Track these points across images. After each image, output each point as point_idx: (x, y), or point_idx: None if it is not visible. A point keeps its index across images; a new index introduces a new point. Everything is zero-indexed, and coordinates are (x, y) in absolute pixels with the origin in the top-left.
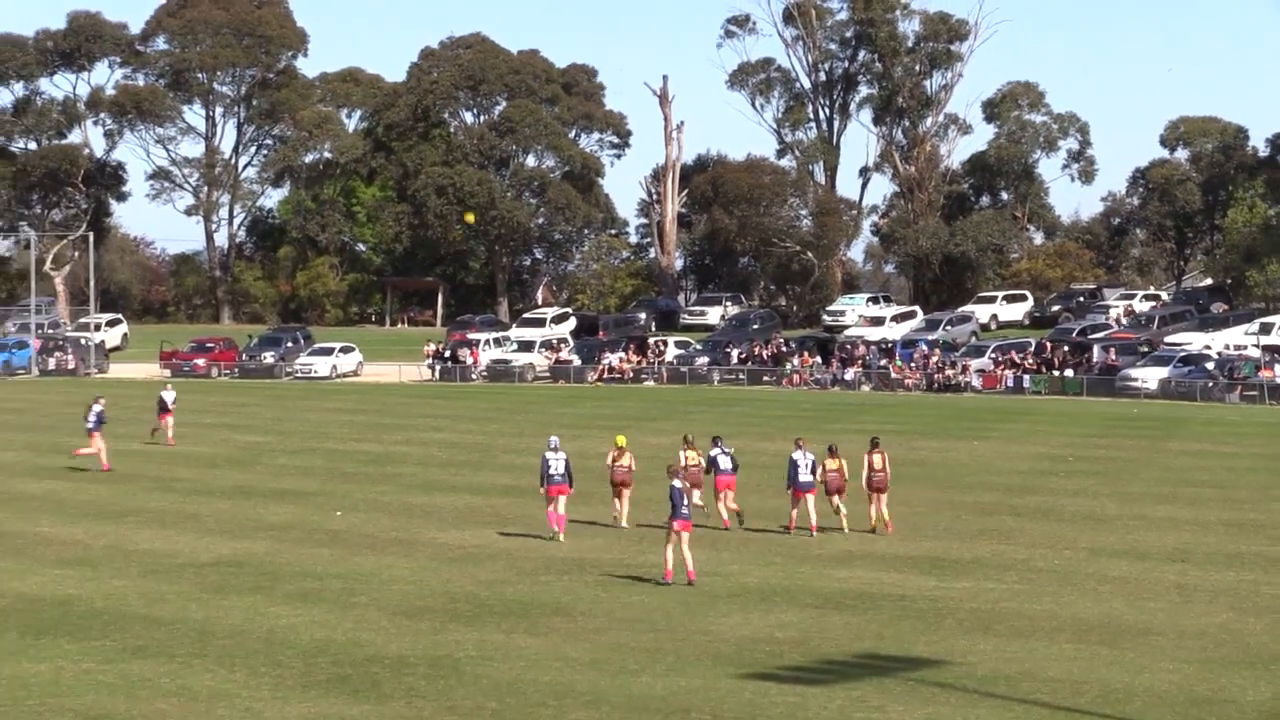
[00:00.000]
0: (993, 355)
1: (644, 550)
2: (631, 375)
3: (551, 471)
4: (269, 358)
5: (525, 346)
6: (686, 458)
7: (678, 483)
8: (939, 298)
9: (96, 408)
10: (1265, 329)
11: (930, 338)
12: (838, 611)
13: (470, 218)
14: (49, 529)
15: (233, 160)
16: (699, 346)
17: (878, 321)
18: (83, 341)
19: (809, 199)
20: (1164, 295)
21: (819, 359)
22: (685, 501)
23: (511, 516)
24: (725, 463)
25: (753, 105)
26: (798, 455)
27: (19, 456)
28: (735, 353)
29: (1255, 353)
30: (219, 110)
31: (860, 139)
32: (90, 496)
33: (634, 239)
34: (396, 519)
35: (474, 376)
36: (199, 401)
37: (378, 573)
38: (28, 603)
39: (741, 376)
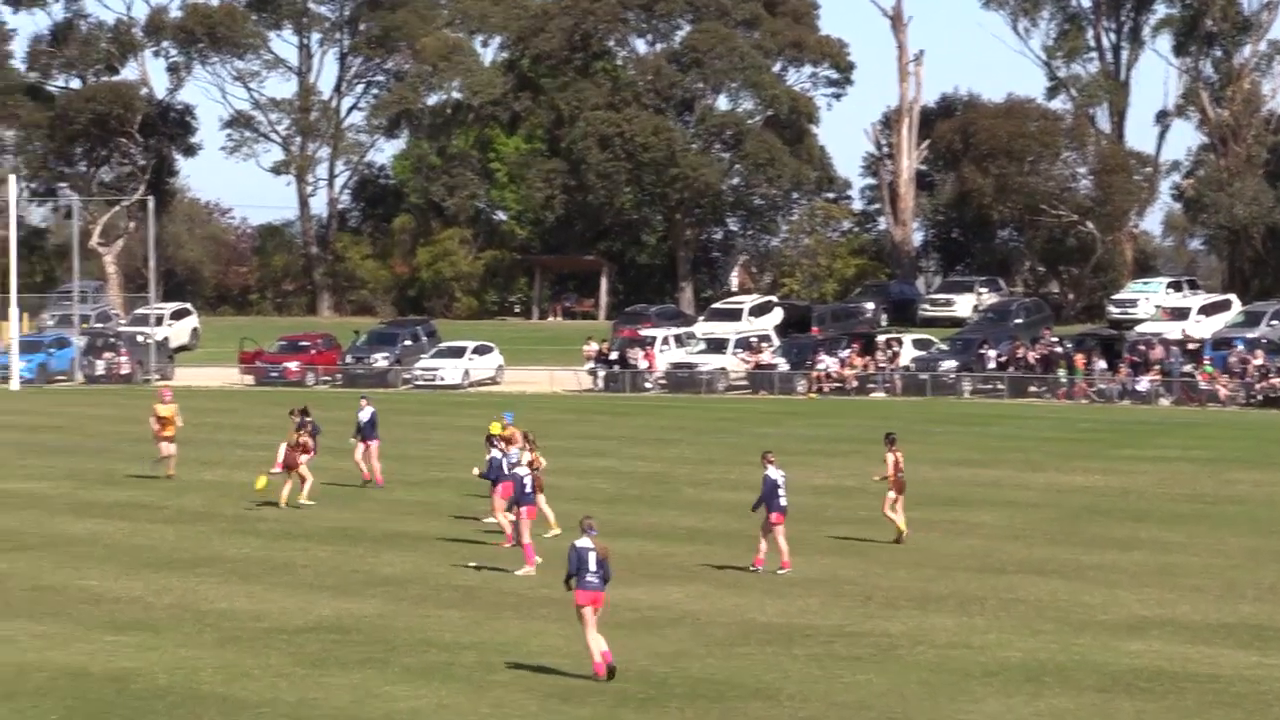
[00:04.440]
0: None
1: (871, 614)
2: (855, 384)
3: None
4: (381, 360)
5: (715, 346)
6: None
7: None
8: (1261, 283)
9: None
10: None
11: (1250, 336)
12: (1128, 696)
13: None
14: (98, 583)
15: (334, 103)
16: (944, 347)
17: (1180, 314)
18: (140, 339)
19: (1089, 153)
20: None
21: (1103, 363)
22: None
23: (699, 569)
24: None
25: (1014, 29)
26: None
27: (59, 489)
28: (992, 355)
29: None
30: (315, 37)
31: (1157, 74)
32: (151, 541)
33: (858, 205)
34: (546, 572)
35: (648, 385)
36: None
37: (523, 642)
38: (71, 679)
39: (1000, 386)
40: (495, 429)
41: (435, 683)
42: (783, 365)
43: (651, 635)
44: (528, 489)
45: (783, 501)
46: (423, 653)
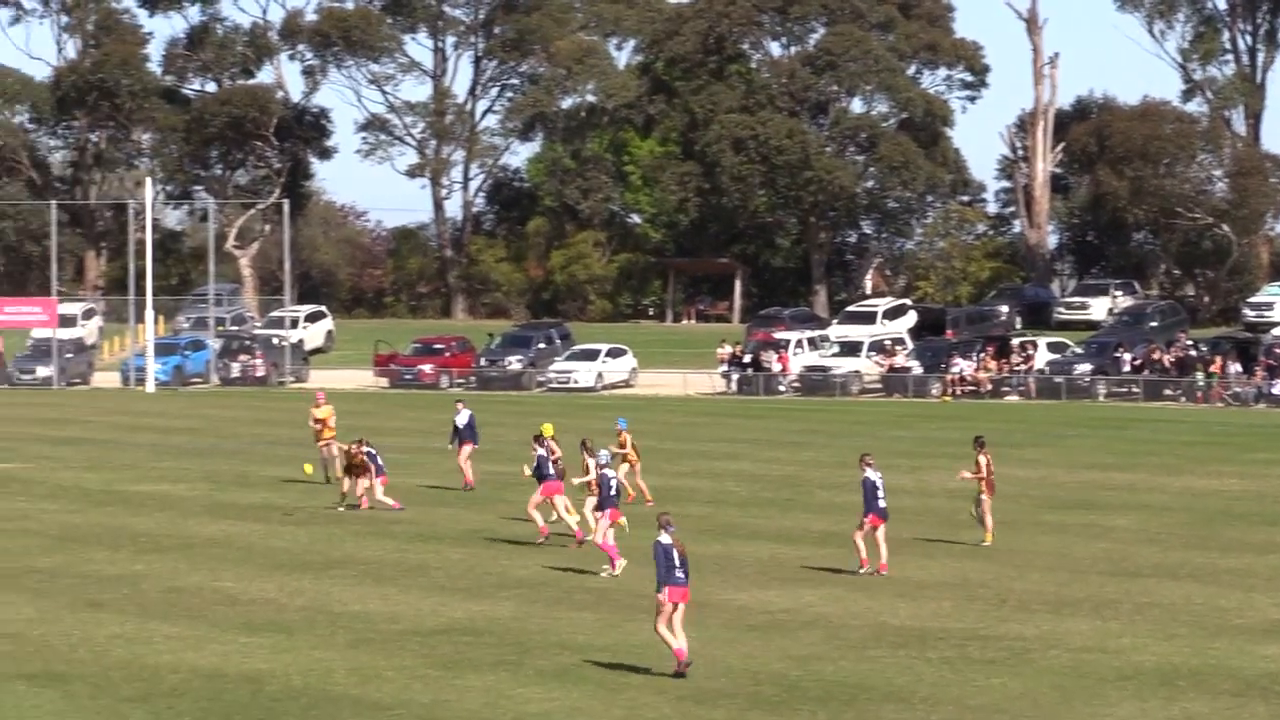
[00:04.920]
0: None
1: (1005, 617)
2: (989, 388)
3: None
4: (515, 363)
5: (849, 349)
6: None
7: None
8: None
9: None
10: None
11: None
12: (1263, 700)
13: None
14: (233, 584)
15: (469, 106)
16: (1079, 350)
17: None
18: (275, 341)
19: (1224, 155)
20: None
21: (1238, 367)
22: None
23: (832, 572)
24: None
25: (1149, 31)
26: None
27: (194, 490)
28: (1127, 358)
29: None
30: (450, 41)
31: None
32: (285, 543)
33: (992, 208)
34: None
35: (782, 388)
36: (423, 419)
37: (656, 644)
38: (205, 680)
39: (1135, 389)
40: (547, 430)
41: (568, 685)
42: (917, 368)
43: (784, 638)
44: (613, 491)
45: (881, 504)
46: (556, 655)
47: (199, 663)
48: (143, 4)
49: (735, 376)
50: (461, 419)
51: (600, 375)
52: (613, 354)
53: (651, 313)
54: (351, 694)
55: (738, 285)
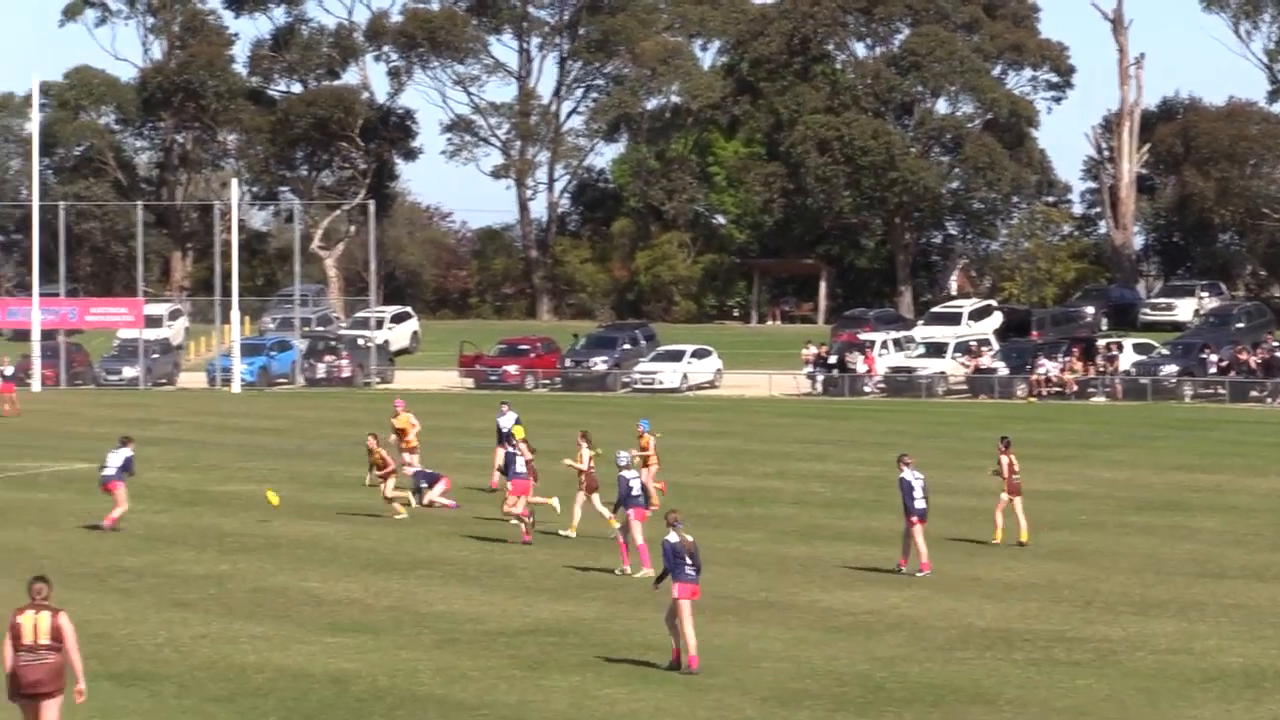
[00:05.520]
0: None
1: (1091, 619)
2: (1075, 389)
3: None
4: (600, 364)
5: (934, 350)
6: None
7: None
8: None
9: (503, 421)
10: None
11: None
12: None
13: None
14: (319, 584)
15: (553, 107)
16: (1165, 351)
17: None
18: (361, 342)
19: None
20: None
21: None
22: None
23: (915, 573)
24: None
25: (1235, 32)
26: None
27: (280, 491)
28: (1214, 359)
29: None
30: (535, 41)
31: None
32: (370, 543)
33: (1078, 209)
34: (766, 575)
35: (867, 389)
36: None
37: (741, 645)
38: (291, 679)
39: (1221, 391)
40: (519, 433)
41: (653, 686)
42: (1002, 369)
43: (870, 640)
44: (635, 492)
45: (919, 504)
46: (641, 655)
47: (284, 663)
48: (228, 5)
49: (820, 377)
50: (505, 421)
51: (685, 376)
52: (697, 355)
53: (736, 313)
54: (437, 694)
55: (823, 286)
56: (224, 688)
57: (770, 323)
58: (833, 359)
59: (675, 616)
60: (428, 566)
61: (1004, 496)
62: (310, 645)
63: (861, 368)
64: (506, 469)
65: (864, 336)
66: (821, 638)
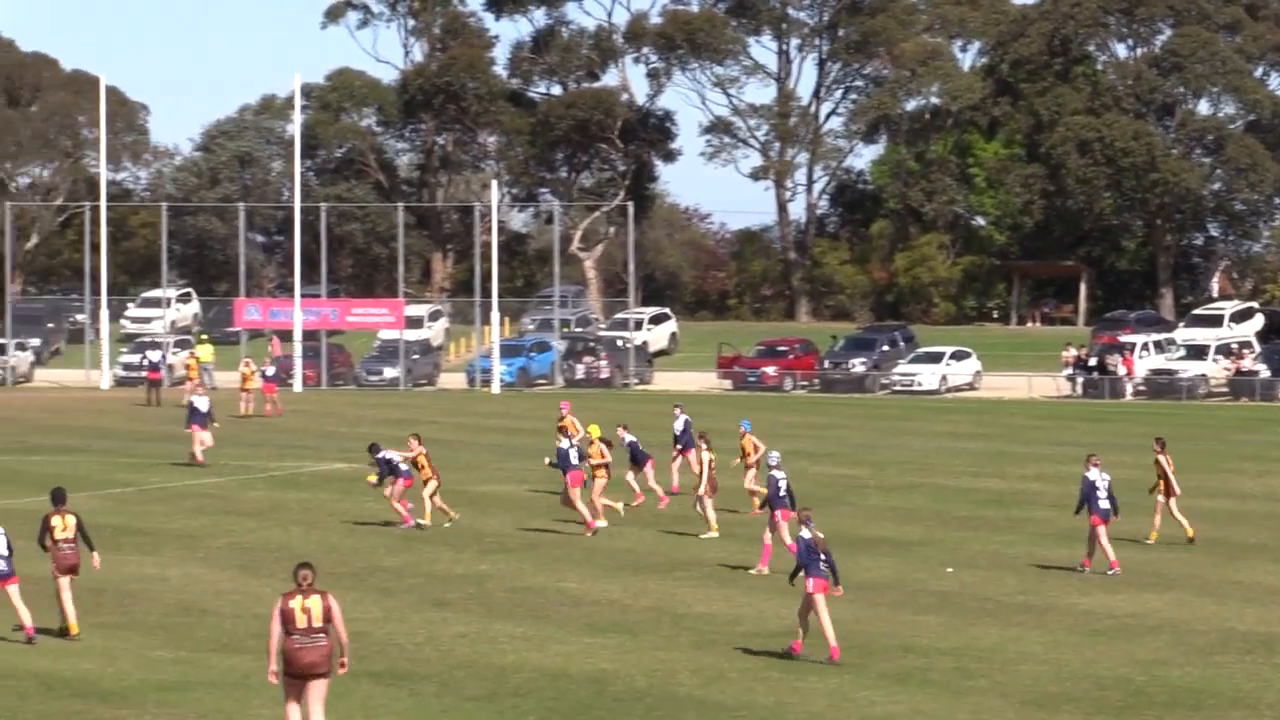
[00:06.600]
0: None
1: None
2: None
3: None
4: (859, 365)
5: (1196, 352)
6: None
7: None
8: None
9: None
10: None
11: None
12: None
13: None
14: (577, 585)
15: (812, 108)
16: None
17: None
18: (620, 343)
19: None
20: None
21: None
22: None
23: (1179, 577)
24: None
25: None
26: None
27: (538, 491)
28: None
29: None
30: (794, 43)
31: None
32: (630, 544)
33: None
34: (1025, 578)
35: (1128, 391)
36: (767, 421)
37: (1000, 648)
38: (549, 679)
39: None
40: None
41: (911, 688)
42: (1264, 372)
43: (1130, 643)
44: (782, 492)
45: (1103, 504)
46: (899, 658)
47: (543, 663)
48: (489, 7)
49: (1080, 380)
50: (678, 425)
51: (944, 378)
52: (957, 357)
53: (996, 315)
54: (695, 695)
55: (1083, 288)
56: (483, 687)
57: (1030, 325)
58: (1092, 361)
59: (809, 610)
60: (686, 568)
61: (1159, 498)
62: (568, 645)
63: (1121, 370)
64: (563, 463)
65: (1124, 339)
66: (1081, 641)
